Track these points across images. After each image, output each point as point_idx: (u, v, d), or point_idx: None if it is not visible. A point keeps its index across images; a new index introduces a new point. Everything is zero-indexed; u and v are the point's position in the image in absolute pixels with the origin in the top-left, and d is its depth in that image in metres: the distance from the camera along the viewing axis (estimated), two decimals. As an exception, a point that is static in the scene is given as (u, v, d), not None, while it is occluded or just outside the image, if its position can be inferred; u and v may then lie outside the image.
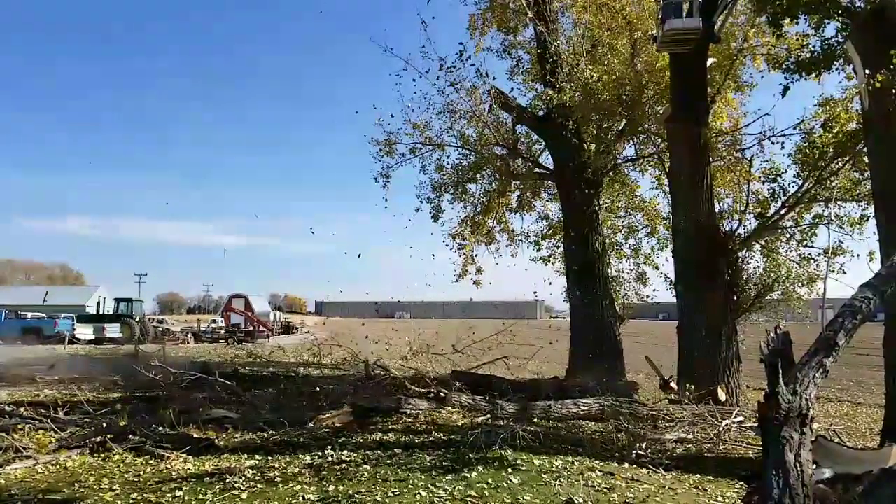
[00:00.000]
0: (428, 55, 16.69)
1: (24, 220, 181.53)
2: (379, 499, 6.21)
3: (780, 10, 10.16)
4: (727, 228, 14.20)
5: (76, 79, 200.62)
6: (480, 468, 7.21)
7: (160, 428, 8.98)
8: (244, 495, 6.39)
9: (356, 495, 6.30)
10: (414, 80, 17.43)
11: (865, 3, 9.98)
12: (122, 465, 7.65)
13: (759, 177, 14.94)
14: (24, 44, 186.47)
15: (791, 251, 15.01)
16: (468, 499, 6.25)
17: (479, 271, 20.03)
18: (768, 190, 14.53)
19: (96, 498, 6.41)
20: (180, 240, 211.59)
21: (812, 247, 14.75)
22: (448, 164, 19.05)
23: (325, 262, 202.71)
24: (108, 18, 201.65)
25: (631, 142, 18.40)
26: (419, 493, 6.38)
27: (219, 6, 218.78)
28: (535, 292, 20.79)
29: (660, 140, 16.85)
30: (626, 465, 7.80)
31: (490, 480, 6.78)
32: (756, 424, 7.27)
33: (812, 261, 14.74)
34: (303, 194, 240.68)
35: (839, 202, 14.08)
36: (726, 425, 9.68)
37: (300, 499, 6.28)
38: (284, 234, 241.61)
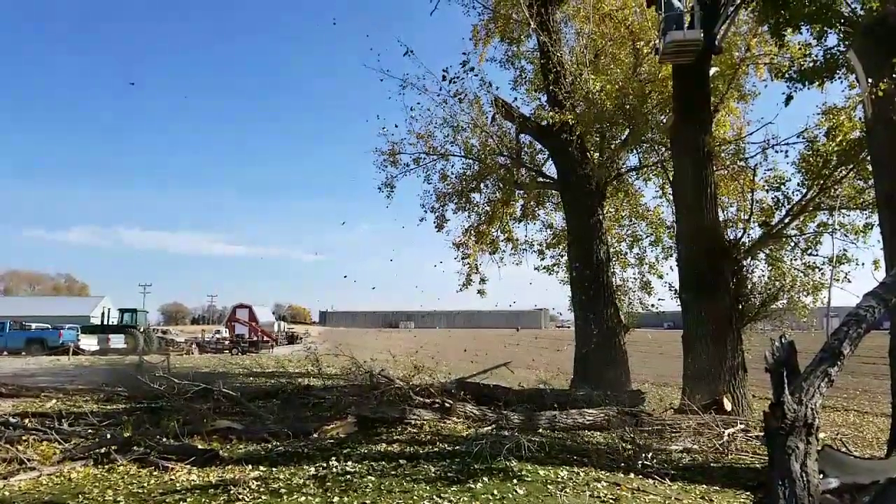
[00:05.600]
0: (430, 72, 16.85)
1: (29, 231, 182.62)
2: (383, 510, 6.20)
3: (782, 20, 10.20)
4: (731, 237, 14.17)
5: (80, 87, 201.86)
6: (485, 479, 7.19)
7: (164, 439, 8.98)
8: (248, 506, 6.38)
9: (361, 506, 6.29)
10: (419, 101, 17.55)
11: (867, 12, 10.01)
12: (126, 476, 7.65)
13: (763, 185, 14.92)
14: (26, 52, 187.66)
15: (795, 260, 14.97)
16: (473, 510, 6.23)
17: (483, 280, 20.03)
18: (772, 198, 14.52)
19: (101, 509, 6.41)
20: (186, 250, 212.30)
21: (816, 255, 14.72)
22: (452, 173, 19.15)
23: (329, 273, 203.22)
24: (112, 23, 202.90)
25: (634, 151, 18.42)
26: (424, 503, 6.37)
27: (224, 11, 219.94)
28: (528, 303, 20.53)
29: (663, 149, 16.85)
30: (632, 475, 7.77)
31: (495, 491, 6.76)
32: (762, 434, 7.25)
33: (817, 269, 14.69)
34: (307, 203, 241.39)
35: (843, 210, 14.05)
36: (732, 435, 9.64)
37: (305, 510, 6.27)
38: (289, 245, 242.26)
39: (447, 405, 10.84)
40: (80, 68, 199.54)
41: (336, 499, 6.54)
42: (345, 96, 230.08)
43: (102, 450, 8.40)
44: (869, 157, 11.60)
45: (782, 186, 14.32)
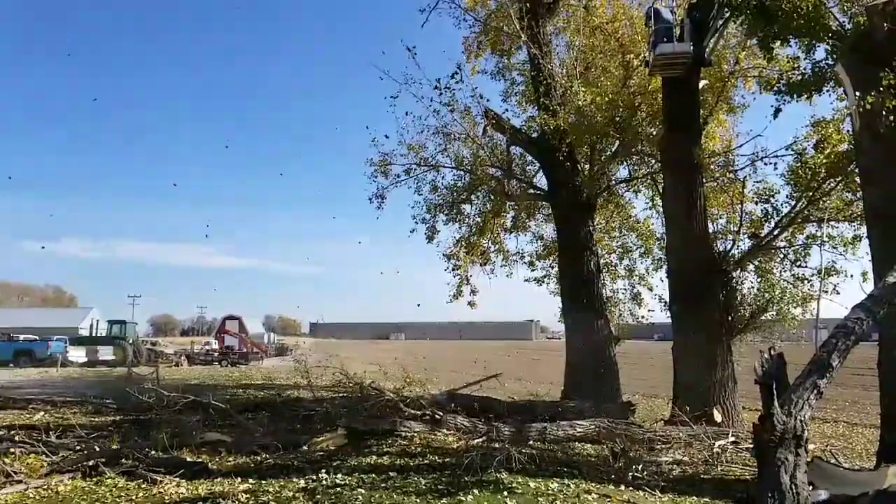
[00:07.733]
0: (426, 79, 16.87)
1: (20, 242, 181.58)
2: (374, 523, 6.16)
3: (770, 34, 10.28)
4: (721, 249, 14.23)
5: (73, 99, 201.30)
6: (476, 491, 7.17)
7: (153, 451, 8.91)
8: (237, 520, 6.34)
9: (351, 519, 6.25)
10: (410, 111, 17.55)
11: (855, 26, 10.12)
12: (114, 489, 7.58)
13: (753, 197, 15.01)
14: (20, 65, 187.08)
15: (785, 271, 15.02)
16: (464, 522, 6.21)
17: (473, 292, 20.00)
18: (761, 210, 14.59)
19: (88, 523, 6.34)
20: (176, 260, 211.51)
21: (805, 267, 14.77)
22: (443, 185, 19.13)
23: (321, 284, 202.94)
24: (105, 37, 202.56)
25: (624, 163, 18.51)
26: (414, 516, 6.34)
27: (218, 25, 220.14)
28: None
29: (653, 161, 16.93)
30: (623, 487, 7.77)
31: (486, 504, 6.75)
32: (752, 446, 7.26)
33: (806, 281, 14.74)
34: (299, 214, 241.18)
35: (832, 222, 14.13)
36: (722, 446, 9.65)
37: (294, 523, 6.23)
38: (279, 257, 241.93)
39: (438, 417, 10.80)
40: (77, 80, 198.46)
41: (326, 512, 6.51)
42: (341, 108, 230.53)
43: (90, 462, 8.31)
44: (857, 170, 11.69)
45: (771, 198, 14.41)
